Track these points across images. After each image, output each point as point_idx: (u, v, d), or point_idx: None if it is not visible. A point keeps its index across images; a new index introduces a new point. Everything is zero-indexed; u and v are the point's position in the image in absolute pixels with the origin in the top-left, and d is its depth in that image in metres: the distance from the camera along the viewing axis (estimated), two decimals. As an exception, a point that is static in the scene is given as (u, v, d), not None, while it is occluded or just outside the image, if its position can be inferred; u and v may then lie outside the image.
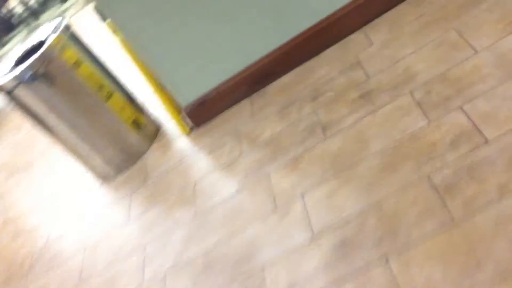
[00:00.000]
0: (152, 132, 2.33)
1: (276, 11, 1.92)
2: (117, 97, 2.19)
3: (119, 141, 2.23)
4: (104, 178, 2.30)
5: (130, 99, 2.28)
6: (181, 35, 1.93)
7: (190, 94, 2.09)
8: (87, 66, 2.07)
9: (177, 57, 1.99)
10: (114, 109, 2.17)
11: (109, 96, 2.14)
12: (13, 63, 2.09)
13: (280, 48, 2.02)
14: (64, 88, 2.02)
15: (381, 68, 1.78)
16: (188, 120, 2.16)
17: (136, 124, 2.26)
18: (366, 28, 2.01)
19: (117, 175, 2.29)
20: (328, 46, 2.05)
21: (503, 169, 1.24)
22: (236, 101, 2.14)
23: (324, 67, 1.98)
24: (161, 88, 2.09)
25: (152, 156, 2.24)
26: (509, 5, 1.64)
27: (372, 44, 1.91)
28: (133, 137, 2.25)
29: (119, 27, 1.90)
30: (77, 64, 2.02)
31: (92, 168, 2.28)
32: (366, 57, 1.88)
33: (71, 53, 2.03)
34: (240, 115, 2.08)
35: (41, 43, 2.08)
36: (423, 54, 1.71)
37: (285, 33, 1.98)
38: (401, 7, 1.97)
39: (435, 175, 1.34)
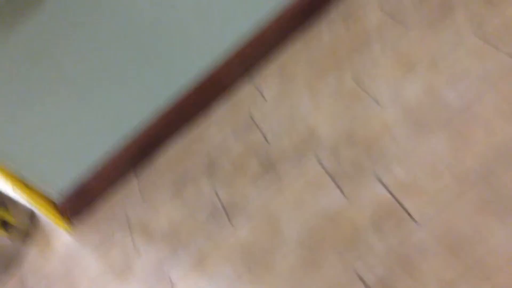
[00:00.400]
0: (25, 231, 1.92)
1: (144, 78, 1.62)
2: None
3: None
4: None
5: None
6: (37, 120, 1.57)
7: (62, 184, 1.73)
8: None
9: (38, 146, 1.62)
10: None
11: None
12: None
13: (159, 115, 1.71)
14: None
15: (279, 129, 1.57)
16: (67, 213, 1.80)
17: (4, 225, 1.85)
18: (255, 80, 1.78)
19: (-12, 291, 1.86)
20: (214, 105, 1.80)
21: (436, 255, 1.08)
22: (120, 182, 1.82)
23: (215, 130, 1.73)
24: (25, 184, 1.70)
25: (29, 260, 1.84)
26: (401, 45, 1.50)
27: (264, 98, 1.69)
28: (1, 240, 1.84)
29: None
30: None
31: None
32: (260, 115, 1.65)
33: None
34: (128, 199, 1.76)
35: None
36: (322, 108, 1.53)
37: (160, 99, 1.68)
38: (289, 52, 1.77)
39: (365, 271, 1.14)
